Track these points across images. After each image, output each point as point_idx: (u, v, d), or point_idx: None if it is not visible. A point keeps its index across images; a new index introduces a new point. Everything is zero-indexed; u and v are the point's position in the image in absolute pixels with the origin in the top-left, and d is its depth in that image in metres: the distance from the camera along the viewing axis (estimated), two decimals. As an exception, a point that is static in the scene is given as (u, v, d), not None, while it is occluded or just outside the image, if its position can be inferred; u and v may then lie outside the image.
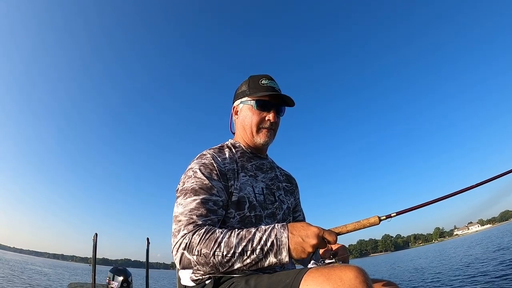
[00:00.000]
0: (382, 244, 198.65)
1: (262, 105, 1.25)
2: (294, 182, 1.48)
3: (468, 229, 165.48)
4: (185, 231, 0.97)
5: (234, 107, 1.35)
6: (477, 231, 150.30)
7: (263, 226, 0.97)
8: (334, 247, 1.17)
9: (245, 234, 0.94)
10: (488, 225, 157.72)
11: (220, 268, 0.93)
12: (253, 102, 1.25)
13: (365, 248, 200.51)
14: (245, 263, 0.92)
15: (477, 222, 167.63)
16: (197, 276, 1.09)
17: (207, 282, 1.07)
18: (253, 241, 0.92)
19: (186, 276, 1.15)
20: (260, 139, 1.27)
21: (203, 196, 1.05)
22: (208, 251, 0.92)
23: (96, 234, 5.31)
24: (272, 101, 1.27)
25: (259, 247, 0.91)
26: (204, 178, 1.09)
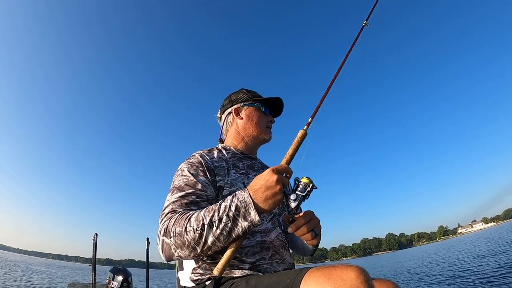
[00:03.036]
0: (386, 243, 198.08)
1: (267, 108, 1.45)
2: None
3: (472, 227, 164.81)
4: (165, 219, 1.00)
5: (236, 109, 1.42)
6: (481, 229, 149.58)
7: (228, 197, 0.97)
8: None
9: (212, 207, 0.95)
10: (492, 223, 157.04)
11: (196, 246, 0.93)
12: (260, 105, 1.42)
13: (369, 247, 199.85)
14: (216, 234, 0.91)
15: (481, 221, 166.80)
16: (197, 276, 1.10)
17: (207, 283, 1.07)
18: (219, 211, 0.92)
19: (185, 277, 1.16)
20: (267, 135, 1.41)
21: (187, 191, 1.08)
22: (181, 229, 0.93)
23: (96, 234, 5.27)
24: (270, 107, 1.48)
25: (225, 214, 0.91)
26: (190, 175, 1.13)
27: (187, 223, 0.93)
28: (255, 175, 1.28)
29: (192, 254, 0.96)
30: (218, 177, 1.18)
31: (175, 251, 0.95)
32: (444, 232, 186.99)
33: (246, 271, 1.03)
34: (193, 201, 1.06)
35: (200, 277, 1.09)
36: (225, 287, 1.01)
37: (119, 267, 4.98)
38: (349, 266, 0.77)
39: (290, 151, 1.09)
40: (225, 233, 0.91)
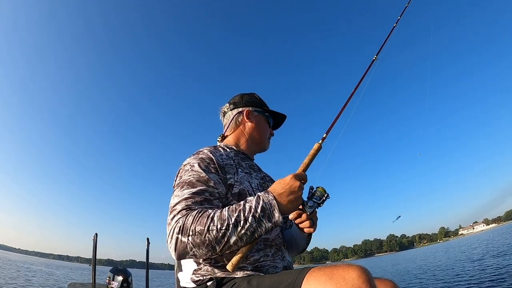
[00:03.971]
0: (387, 244, 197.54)
1: (271, 120, 1.54)
2: None
3: (473, 228, 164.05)
4: (179, 216, 0.97)
5: (247, 110, 1.45)
6: (482, 230, 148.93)
7: (249, 198, 1.00)
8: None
9: (235, 207, 0.96)
10: (494, 225, 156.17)
11: (216, 246, 0.92)
12: (269, 115, 1.51)
13: (370, 248, 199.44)
14: (240, 234, 0.93)
15: (483, 222, 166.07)
16: (198, 277, 1.09)
17: (208, 283, 1.06)
18: (244, 211, 0.94)
19: (186, 277, 1.14)
20: (266, 145, 1.50)
21: (200, 188, 1.05)
22: (202, 228, 0.91)
23: (96, 234, 5.26)
24: (274, 121, 1.56)
25: (250, 215, 0.93)
26: (201, 171, 1.10)
27: (210, 222, 0.92)
28: (256, 175, 1.37)
29: (209, 254, 0.95)
30: (229, 175, 1.18)
31: (191, 250, 0.93)
32: (445, 233, 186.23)
33: (248, 272, 1.03)
34: (207, 199, 1.04)
35: (201, 278, 1.08)
36: (226, 287, 1.00)
37: (119, 267, 4.99)
38: (351, 265, 0.77)
39: (306, 160, 1.16)
40: (249, 233, 0.93)
